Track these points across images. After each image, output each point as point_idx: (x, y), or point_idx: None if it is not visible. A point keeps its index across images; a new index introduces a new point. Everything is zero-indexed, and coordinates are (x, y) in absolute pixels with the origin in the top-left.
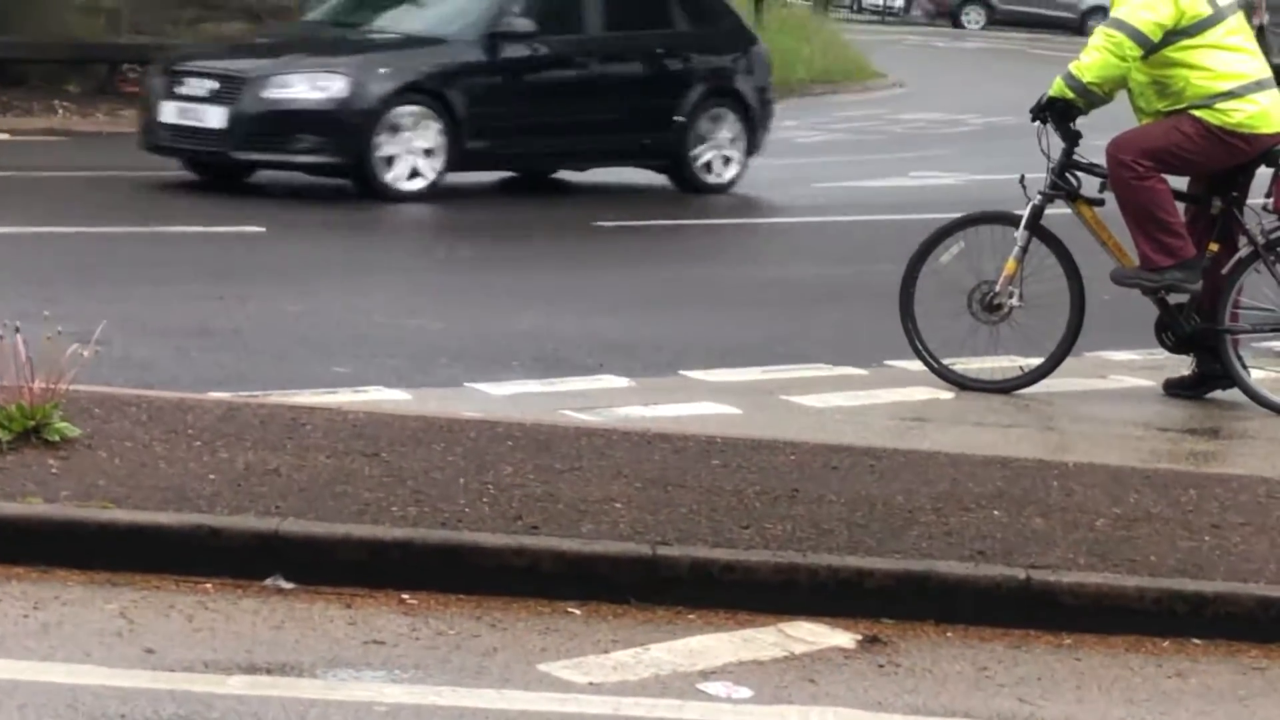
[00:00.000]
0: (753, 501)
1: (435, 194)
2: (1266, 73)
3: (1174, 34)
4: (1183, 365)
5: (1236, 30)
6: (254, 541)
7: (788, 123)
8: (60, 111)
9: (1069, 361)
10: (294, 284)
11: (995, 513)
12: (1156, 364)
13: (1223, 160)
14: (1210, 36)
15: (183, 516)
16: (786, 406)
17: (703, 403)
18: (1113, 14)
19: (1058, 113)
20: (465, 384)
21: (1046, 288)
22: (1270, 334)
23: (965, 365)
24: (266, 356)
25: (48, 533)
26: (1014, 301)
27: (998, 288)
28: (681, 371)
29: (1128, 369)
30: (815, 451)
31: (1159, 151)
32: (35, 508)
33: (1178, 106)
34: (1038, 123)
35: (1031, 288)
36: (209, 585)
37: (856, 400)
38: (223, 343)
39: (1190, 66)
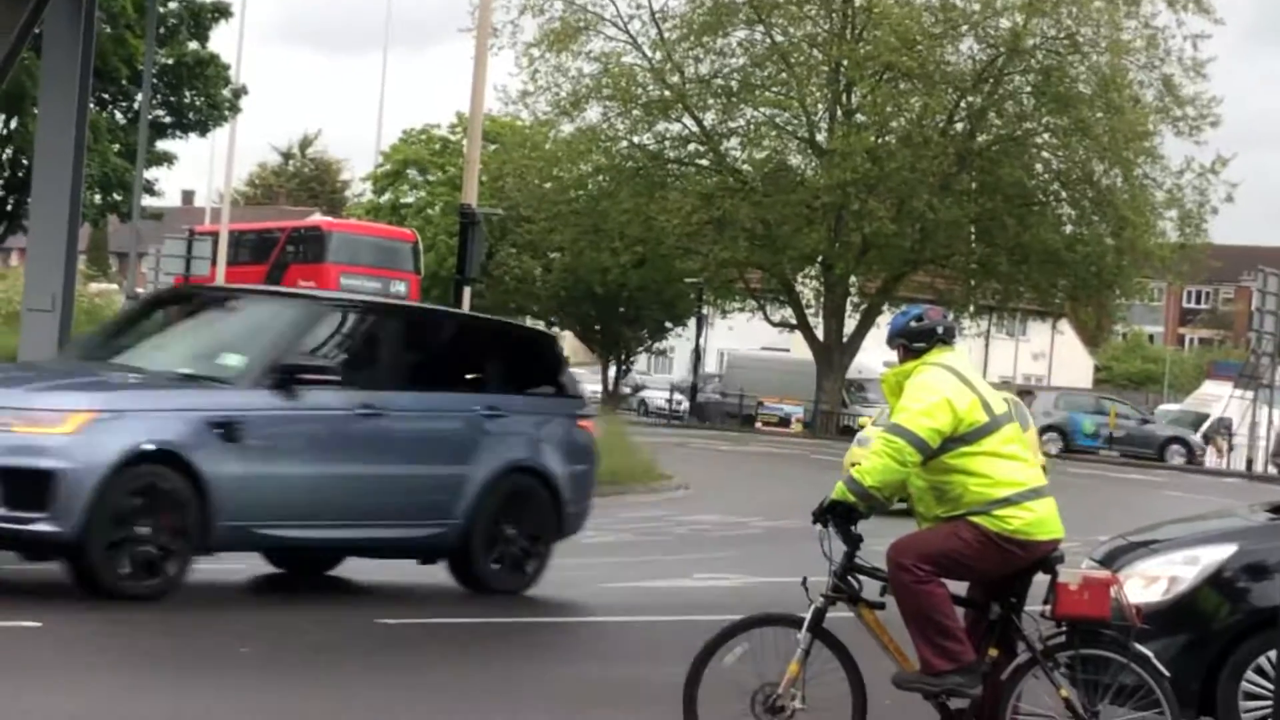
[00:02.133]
0: None
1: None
2: (1042, 480)
3: (952, 440)
4: None
5: (1012, 439)
6: None
7: None
8: None
9: None
10: (68, 682)
11: None
12: None
13: (1000, 566)
14: (987, 444)
15: None
16: None
17: None
18: (893, 420)
19: (839, 516)
20: None
21: (830, 691)
22: None
23: None
24: None
25: None
26: (797, 704)
27: (780, 690)
28: None
29: None
30: None
31: (938, 556)
32: None
33: (956, 512)
34: (820, 526)
35: (814, 690)
36: None
37: None
38: None
39: (968, 473)
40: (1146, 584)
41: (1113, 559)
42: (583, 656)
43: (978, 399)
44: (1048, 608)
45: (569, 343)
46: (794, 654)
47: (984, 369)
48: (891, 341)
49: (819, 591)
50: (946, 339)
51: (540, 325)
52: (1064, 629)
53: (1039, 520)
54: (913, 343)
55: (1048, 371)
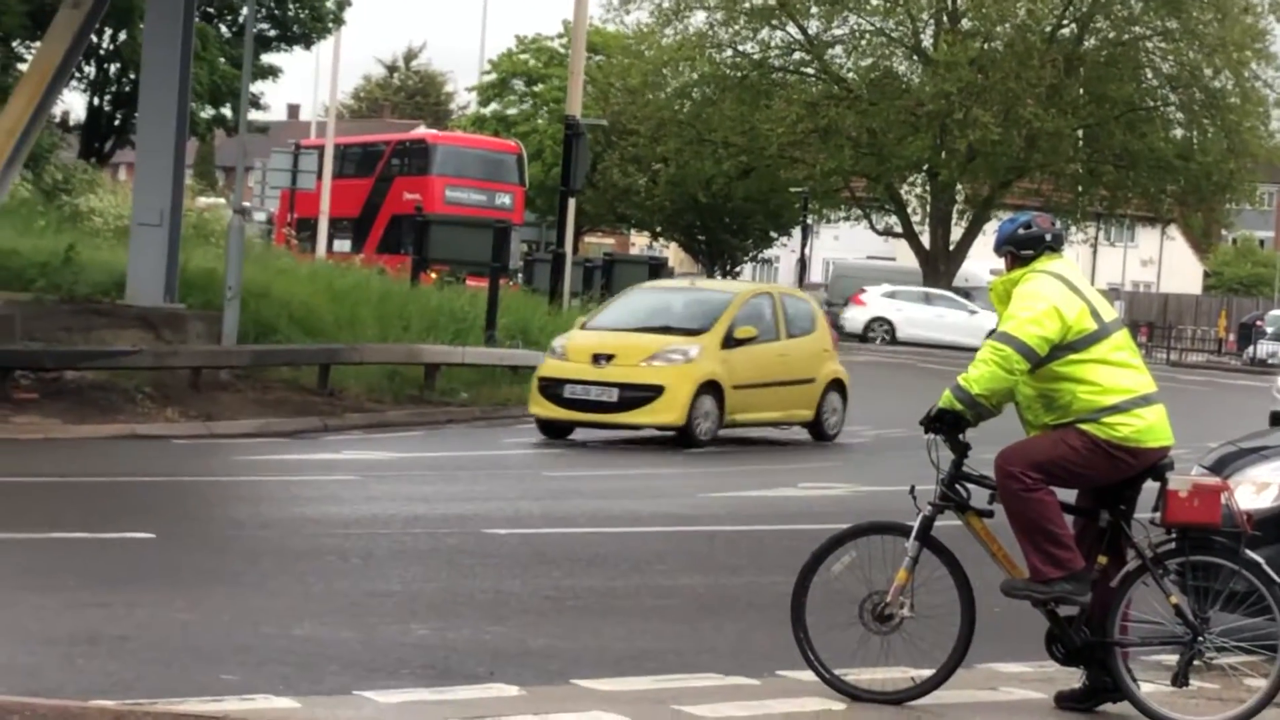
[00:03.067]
0: None
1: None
2: (1152, 387)
3: (1060, 349)
4: (1074, 678)
5: (1122, 346)
6: None
7: None
8: None
9: (960, 673)
10: (182, 591)
11: None
12: (1047, 676)
13: (1109, 474)
14: (1096, 351)
15: None
16: (679, 717)
17: (594, 712)
18: (1000, 328)
19: (947, 425)
20: (354, 692)
21: (937, 599)
22: (1159, 647)
23: (857, 676)
24: (154, 664)
25: None
26: (905, 612)
27: (889, 598)
28: (573, 680)
29: (1019, 681)
30: None
31: (1046, 464)
32: None
33: (1064, 420)
34: (928, 434)
35: (923, 598)
36: None
37: (749, 710)
38: (110, 650)
39: (1077, 381)
40: (1257, 490)
41: (1222, 465)
42: (690, 568)
43: (1086, 306)
44: (1157, 515)
45: (673, 253)
46: (902, 562)
47: (1092, 276)
48: (999, 249)
49: (927, 500)
50: (1055, 246)
51: (644, 236)
52: (1174, 536)
53: (1149, 427)
54: (1020, 250)
55: (1156, 278)
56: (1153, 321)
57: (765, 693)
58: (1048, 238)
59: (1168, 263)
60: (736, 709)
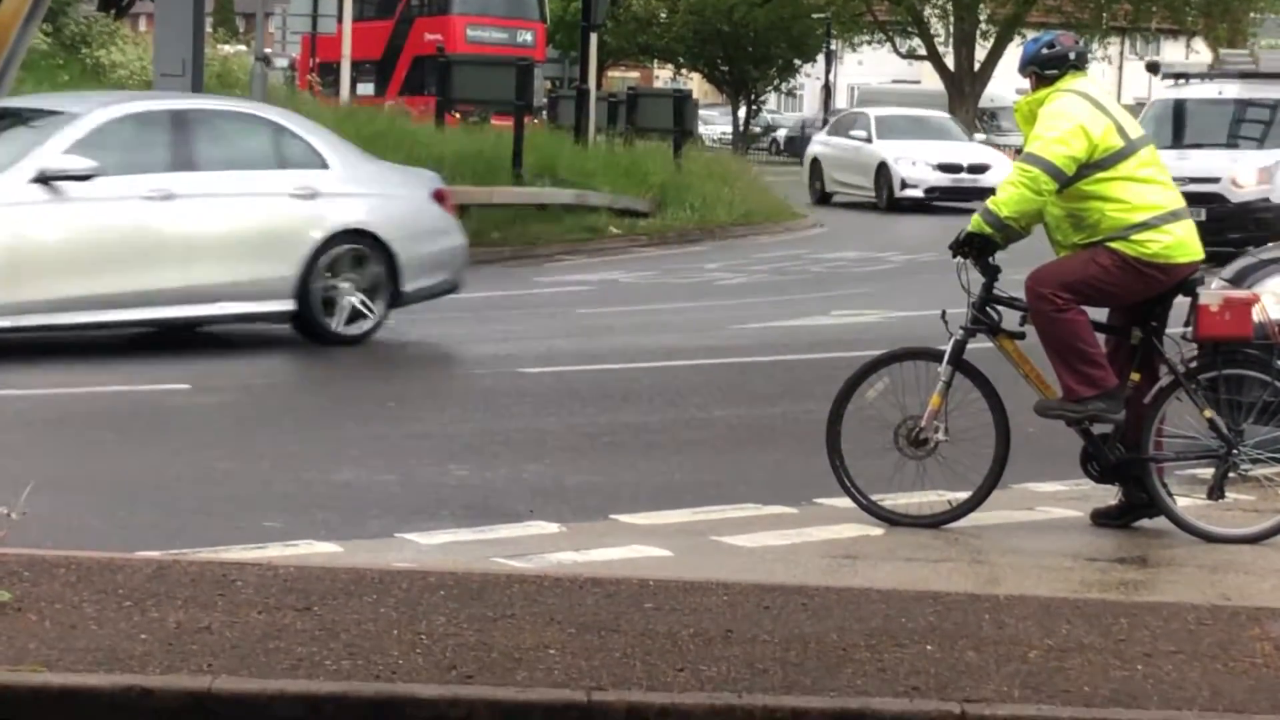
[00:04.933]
0: (687, 644)
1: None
2: (1180, 203)
3: (1088, 167)
4: (1109, 495)
5: (1149, 162)
6: (187, 700)
7: (709, 265)
8: None
9: (997, 494)
10: (219, 440)
11: (928, 648)
12: (1083, 494)
13: (1140, 291)
14: (1124, 169)
15: (115, 678)
16: (718, 547)
17: (634, 546)
18: (1027, 149)
19: (976, 248)
20: (396, 535)
21: (971, 422)
22: (1194, 461)
23: (894, 501)
24: (195, 514)
25: None
26: (940, 436)
27: (923, 423)
28: (612, 516)
29: (1055, 500)
30: (748, 592)
31: (1077, 284)
32: None
33: (1094, 239)
34: (957, 258)
35: (957, 422)
36: None
37: (787, 539)
38: (151, 501)
39: (1105, 199)
40: (1278, 300)
41: (1242, 277)
42: (724, 400)
43: (1112, 124)
44: (1189, 330)
45: (697, 84)
46: (935, 387)
47: (1117, 92)
48: (1023, 69)
49: (958, 324)
50: (1079, 65)
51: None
52: (1206, 349)
53: (1178, 243)
54: (1045, 70)
55: None
56: None
57: (803, 521)
58: (1071, 56)
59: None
60: (775, 538)
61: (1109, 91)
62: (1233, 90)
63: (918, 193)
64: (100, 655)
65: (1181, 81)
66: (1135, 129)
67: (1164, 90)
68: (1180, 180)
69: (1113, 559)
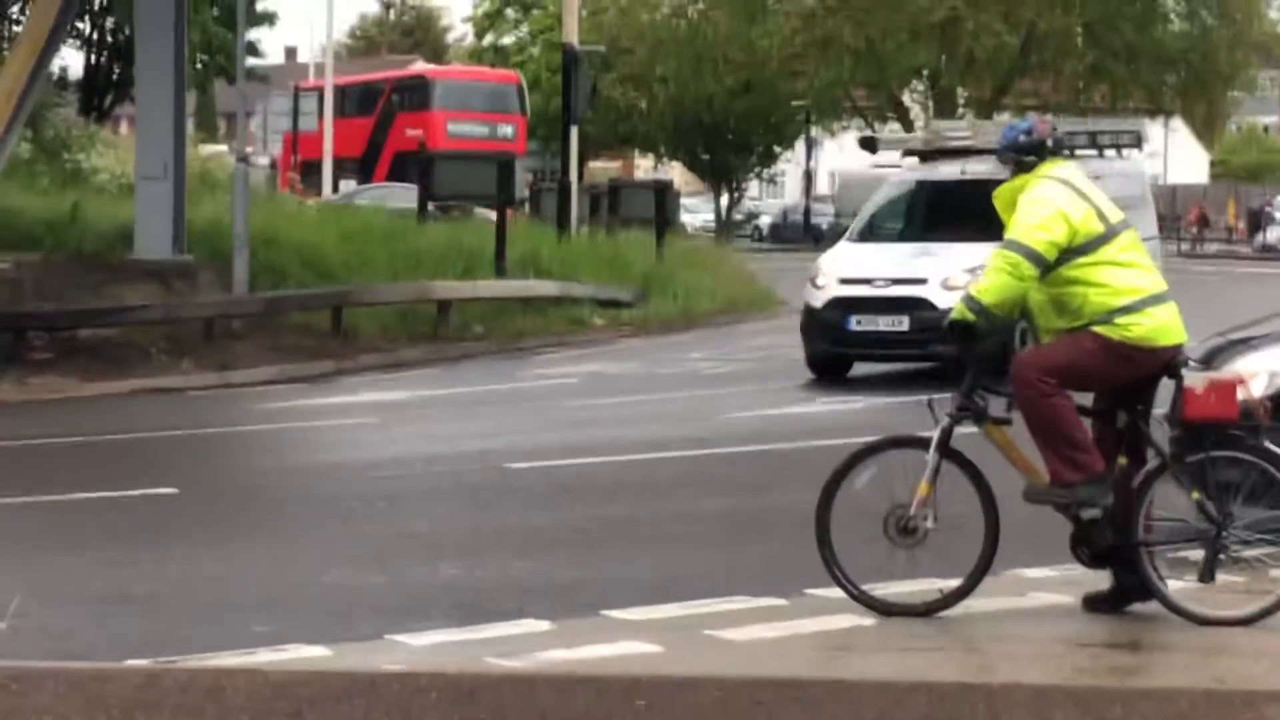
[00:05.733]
0: None
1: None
2: (1162, 285)
3: (1069, 253)
4: (1101, 580)
5: (1129, 246)
6: None
7: (694, 354)
8: None
9: (988, 580)
10: (209, 544)
11: None
12: (1074, 579)
13: (1125, 374)
14: (1105, 253)
15: None
16: (710, 641)
17: (625, 642)
18: (1008, 236)
19: (960, 335)
20: (386, 636)
21: (960, 509)
22: (1185, 544)
23: (885, 590)
24: (185, 619)
25: None
26: (929, 524)
27: (912, 510)
28: (602, 611)
29: (1046, 585)
30: (740, 687)
31: (1063, 368)
32: None
33: (1077, 323)
34: (942, 347)
35: (946, 509)
36: None
37: (780, 631)
38: (141, 608)
39: (1087, 283)
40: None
41: (1211, 358)
42: (713, 491)
43: (1092, 209)
44: (1173, 412)
45: (678, 173)
46: (923, 474)
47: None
48: (1001, 157)
49: (945, 410)
50: (1057, 150)
51: (649, 157)
52: (1192, 432)
53: (1161, 326)
54: (1023, 157)
55: (1164, 169)
56: (1162, 214)
57: (795, 612)
58: (1049, 142)
59: (1174, 153)
60: (768, 630)
61: (1089, 176)
62: (981, 168)
63: None
64: None
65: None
66: (1115, 214)
67: (905, 170)
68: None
69: (1105, 644)
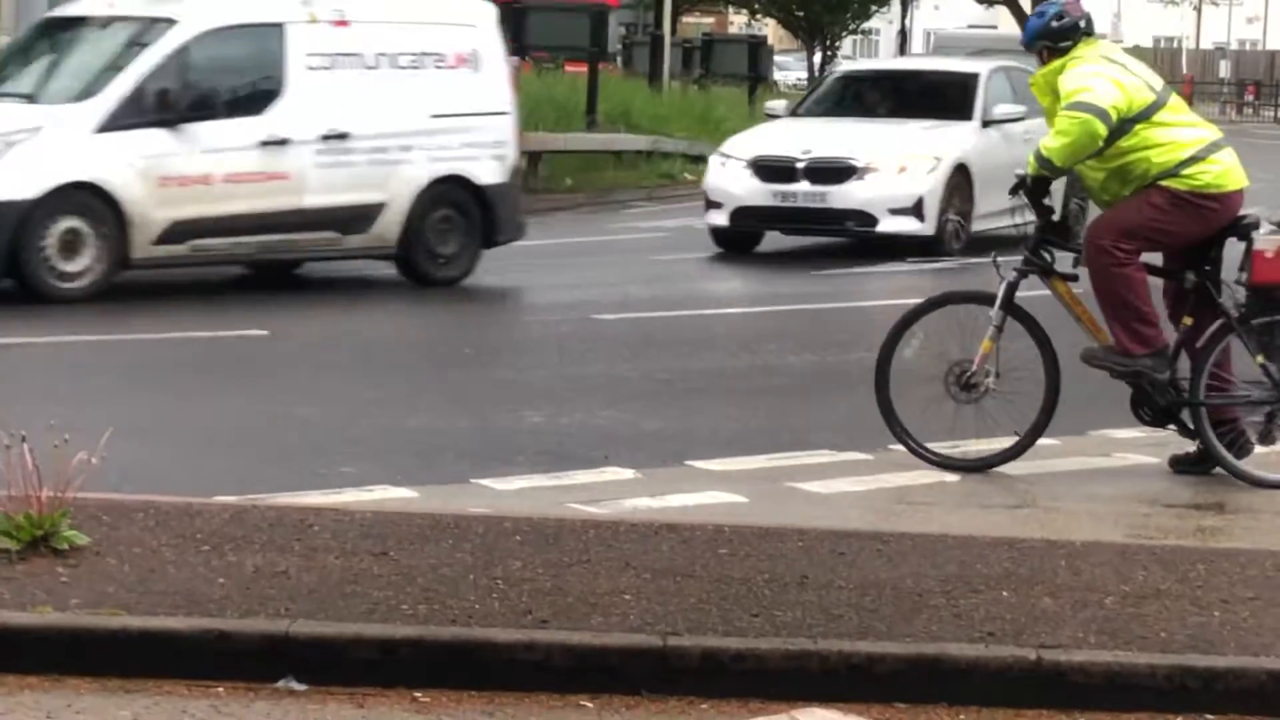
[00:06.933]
0: (762, 589)
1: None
2: (1219, 134)
3: (1126, 121)
4: (1188, 442)
5: (1178, 108)
6: (265, 644)
7: None
8: None
9: (1074, 439)
10: (297, 386)
11: (1004, 594)
12: (1161, 441)
13: (1197, 228)
14: (1159, 116)
15: (193, 621)
16: (793, 493)
17: (709, 492)
18: (1071, 100)
19: (1030, 190)
20: (471, 480)
21: (1023, 366)
22: (1247, 406)
23: (951, 448)
24: (272, 459)
25: (59, 641)
26: (990, 381)
27: (974, 366)
28: (687, 462)
29: (1132, 446)
30: (823, 538)
31: (1136, 229)
32: (46, 617)
33: (1144, 184)
34: (1013, 197)
35: (1007, 366)
36: (221, 689)
37: (863, 485)
38: (228, 446)
39: (1148, 145)
40: None
41: None
42: (799, 346)
43: (1140, 80)
44: (1244, 275)
45: (772, 30)
46: (987, 331)
47: (1196, 36)
48: (1032, 45)
49: (1011, 267)
50: (1090, 31)
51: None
52: (1260, 294)
53: (1226, 171)
54: (1058, 43)
55: (1262, 34)
56: (1259, 80)
57: (878, 467)
58: (1082, 24)
59: (1274, 18)
60: (850, 484)
61: (1124, 52)
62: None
63: None
64: (178, 599)
65: None
66: (1158, 81)
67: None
68: None
69: (1190, 505)
